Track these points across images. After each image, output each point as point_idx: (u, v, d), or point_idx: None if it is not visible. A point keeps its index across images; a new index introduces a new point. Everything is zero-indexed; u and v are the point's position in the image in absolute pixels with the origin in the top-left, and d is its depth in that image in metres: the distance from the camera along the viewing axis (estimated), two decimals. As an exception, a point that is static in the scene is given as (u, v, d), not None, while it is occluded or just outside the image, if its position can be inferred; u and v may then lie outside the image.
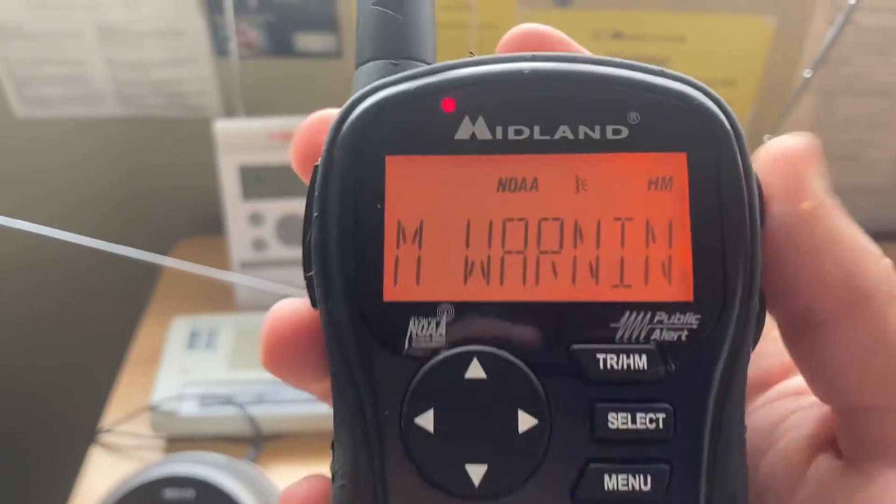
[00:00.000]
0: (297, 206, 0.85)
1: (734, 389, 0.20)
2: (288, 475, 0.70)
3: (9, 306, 1.08)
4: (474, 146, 0.20)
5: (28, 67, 0.90)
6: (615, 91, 0.20)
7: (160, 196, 1.02)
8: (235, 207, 0.85)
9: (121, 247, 0.80)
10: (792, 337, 0.21)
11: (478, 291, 0.20)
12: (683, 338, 0.20)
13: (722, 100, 0.21)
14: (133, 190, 1.02)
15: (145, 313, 0.91)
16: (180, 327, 0.84)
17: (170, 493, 0.62)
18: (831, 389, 0.21)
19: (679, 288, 0.20)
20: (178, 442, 0.76)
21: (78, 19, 0.87)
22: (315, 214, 0.20)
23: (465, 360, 0.20)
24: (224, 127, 0.83)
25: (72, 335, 1.10)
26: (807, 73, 0.70)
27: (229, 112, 0.91)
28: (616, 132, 0.20)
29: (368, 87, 0.21)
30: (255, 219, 0.85)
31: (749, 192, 0.20)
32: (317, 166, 0.21)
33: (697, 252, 0.20)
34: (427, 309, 0.20)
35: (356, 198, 0.20)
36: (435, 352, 0.20)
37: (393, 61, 0.23)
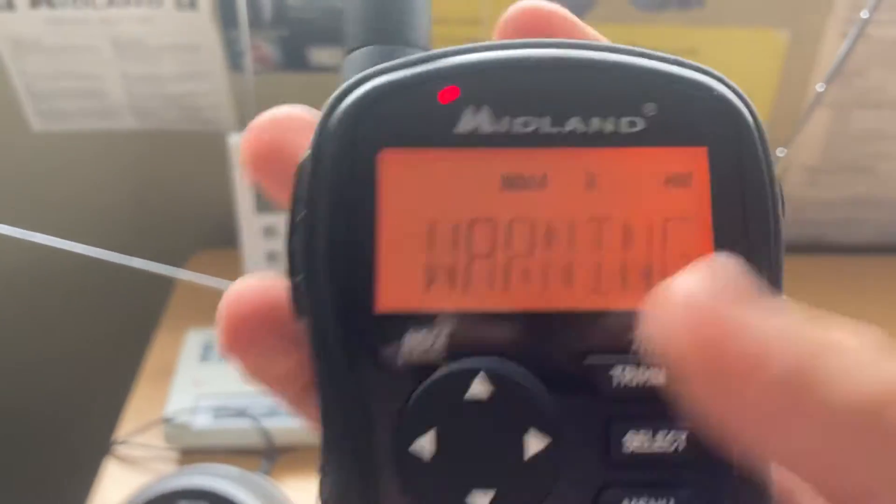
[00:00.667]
0: (311, 219, 0.85)
1: None
2: (301, 488, 0.70)
3: (24, 318, 1.09)
4: (477, 139, 0.18)
5: (45, 81, 0.91)
6: (630, 80, 0.19)
7: (174, 209, 1.02)
8: (249, 221, 0.85)
9: (135, 259, 0.80)
10: None
11: (481, 300, 0.18)
12: None
13: (741, 91, 0.19)
14: (147, 203, 1.02)
15: (159, 326, 0.91)
16: (194, 340, 0.84)
17: (183, 506, 0.62)
18: None
19: None
20: (191, 454, 0.76)
21: (94, 34, 0.87)
22: (301, 214, 0.19)
23: (467, 377, 0.18)
24: (239, 141, 0.83)
25: (86, 347, 1.10)
26: (820, 87, 0.70)
27: (244, 126, 0.92)
28: (631, 125, 0.18)
29: (360, 75, 0.19)
30: (269, 232, 0.86)
31: (773, 190, 0.19)
32: (303, 161, 0.19)
33: (720, 252, 0.18)
34: (425, 320, 0.18)
35: (347, 196, 0.18)
36: (434, 367, 0.18)
37: (388, 47, 0.21)
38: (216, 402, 0.78)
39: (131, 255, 0.80)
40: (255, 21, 0.86)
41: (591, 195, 0.19)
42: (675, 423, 0.18)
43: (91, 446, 0.80)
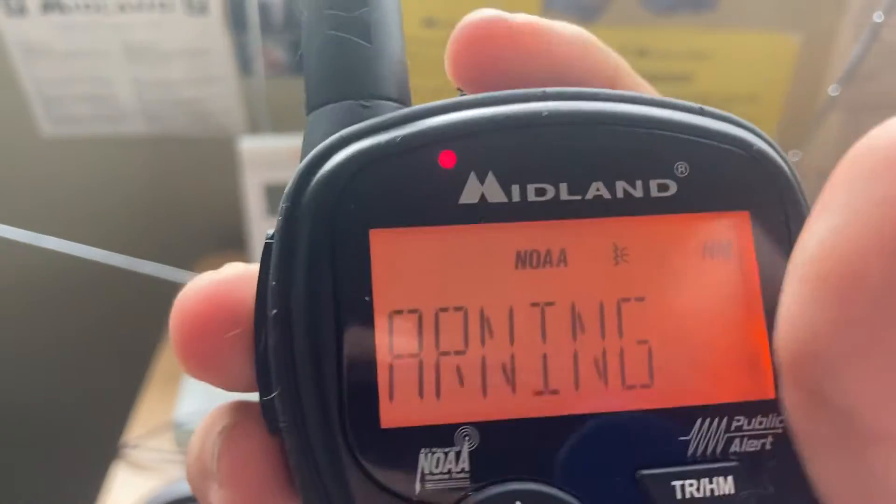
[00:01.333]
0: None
1: None
2: None
3: (34, 321, 1.09)
4: (485, 212, 0.16)
5: (55, 87, 0.91)
6: (658, 136, 0.16)
7: (184, 214, 1.03)
8: (260, 225, 0.85)
9: (145, 262, 0.80)
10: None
11: (507, 406, 0.15)
12: (768, 445, 0.16)
13: (775, 143, 0.17)
14: (157, 208, 1.03)
15: (168, 332, 0.91)
16: (204, 344, 0.84)
17: (194, 510, 0.62)
18: None
19: (757, 382, 0.16)
20: (201, 459, 0.76)
21: (105, 39, 0.88)
22: (273, 311, 0.15)
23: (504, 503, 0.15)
24: (250, 145, 0.83)
25: (95, 351, 1.11)
26: (833, 91, 0.70)
27: (254, 130, 0.92)
28: (662, 188, 0.16)
29: (334, 138, 0.16)
30: (279, 236, 0.86)
31: None
32: (268, 243, 0.15)
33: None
34: (441, 435, 0.15)
35: (332, 288, 0.15)
36: (459, 495, 0.15)
37: (362, 102, 0.17)
38: (226, 406, 0.77)
39: (141, 259, 0.80)
40: (266, 25, 0.86)
41: (621, 271, 0.16)
42: None
43: (101, 450, 0.80)
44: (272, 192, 0.84)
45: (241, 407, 0.17)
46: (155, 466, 0.77)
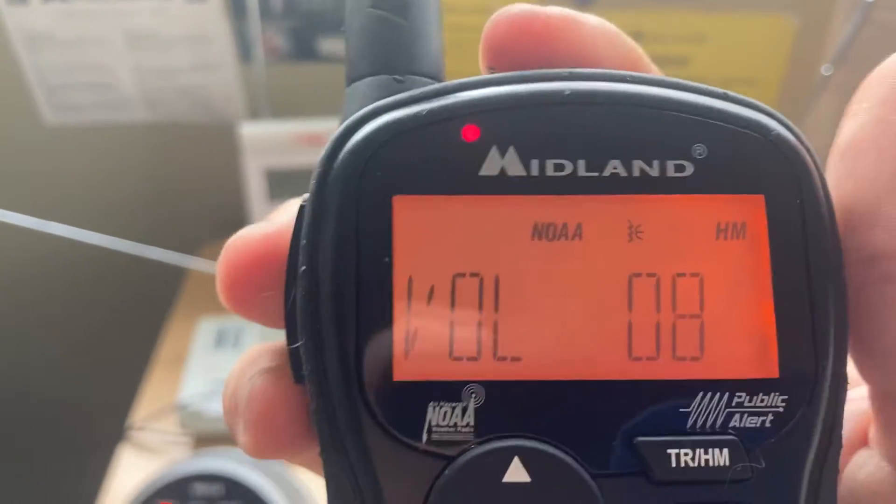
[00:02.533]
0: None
1: (826, 483, 0.17)
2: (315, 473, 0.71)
3: (39, 307, 1.10)
4: (504, 184, 0.16)
5: (57, 74, 0.92)
6: (677, 118, 0.16)
7: (186, 200, 1.03)
8: (261, 210, 0.86)
9: (149, 248, 0.81)
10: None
11: (513, 368, 0.16)
12: (768, 423, 0.16)
13: (799, 131, 0.17)
14: (160, 194, 1.03)
15: (172, 315, 0.92)
16: (207, 328, 0.85)
17: (199, 489, 0.62)
18: (883, 365, 0.17)
19: (762, 362, 0.16)
20: (206, 440, 0.77)
21: (106, 26, 0.88)
22: (302, 268, 0.16)
23: (502, 459, 0.16)
24: (250, 130, 0.84)
25: (100, 336, 1.12)
26: (826, 70, 0.70)
27: (254, 116, 0.93)
28: (679, 169, 0.16)
29: (367, 109, 0.17)
30: (281, 221, 0.86)
31: (836, 244, 0.17)
32: (302, 206, 0.17)
33: (782, 317, 0.16)
34: (450, 390, 0.16)
35: (356, 249, 0.16)
36: (462, 447, 0.16)
37: (397, 77, 0.18)
38: (230, 388, 0.78)
39: (144, 244, 0.81)
40: (266, 12, 0.87)
41: (634, 248, 0.16)
42: None
43: (106, 433, 0.81)
44: (272, 176, 0.84)
45: (271, 355, 0.18)
46: (160, 448, 0.78)
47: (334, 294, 0.16)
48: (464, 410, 0.16)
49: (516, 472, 0.16)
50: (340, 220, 0.16)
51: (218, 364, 0.81)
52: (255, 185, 0.85)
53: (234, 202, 0.90)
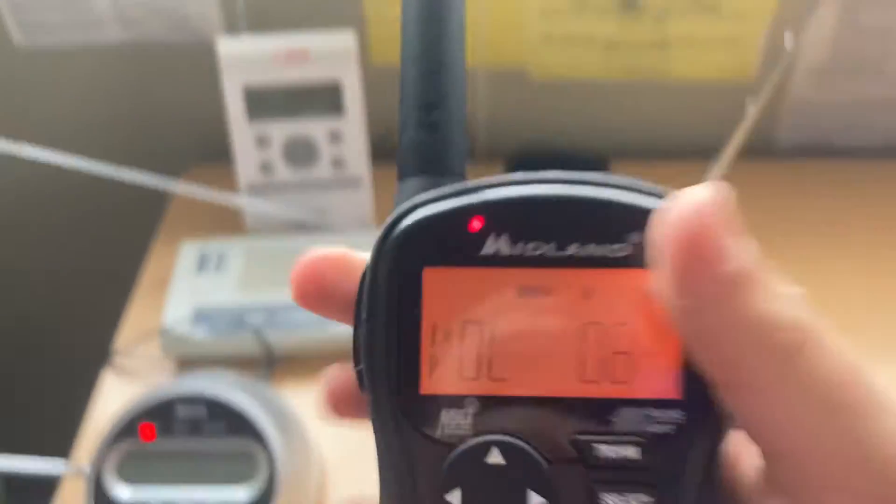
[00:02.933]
0: (303, 127, 0.83)
1: (714, 469, 0.23)
2: (299, 394, 0.71)
3: (20, 231, 1.09)
4: (498, 259, 0.23)
5: (27, -8, 0.88)
6: (620, 213, 0.23)
7: (167, 123, 1.01)
8: (241, 129, 0.83)
9: (129, 171, 0.79)
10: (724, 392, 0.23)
11: (500, 386, 0.24)
12: (672, 431, 0.23)
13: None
14: (139, 117, 1.01)
15: (155, 240, 0.91)
16: (189, 251, 0.84)
17: (182, 411, 0.62)
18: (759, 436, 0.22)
19: (670, 387, 0.23)
20: (189, 364, 0.76)
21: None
22: (364, 316, 0.24)
23: (487, 448, 0.23)
24: (227, 46, 0.81)
25: (82, 260, 1.10)
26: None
27: (232, 33, 0.89)
28: (620, 250, 0.23)
29: (408, 205, 0.24)
30: (262, 142, 0.84)
31: None
32: (365, 273, 0.24)
33: (687, 357, 0.23)
34: (457, 401, 0.24)
35: (398, 304, 0.24)
36: (462, 439, 0.24)
37: (434, 177, 0.26)
38: (213, 312, 0.77)
39: (125, 168, 0.79)
40: (240, -79, 0.83)
41: (587, 304, 0.23)
42: (642, 488, 0.23)
43: (89, 357, 0.80)
44: (251, 94, 0.81)
45: (345, 369, 0.27)
46: (143, 373, 0.77)
47: (384, 335, 0.24)
48: (465, 415, 0.24)
49: (495, 457, 0.23)
50: (389, 285, 0.24)
51: (201, 288, 0.80)
52: (233, 103, 0.82)
53: (216, 124, 0.88)
